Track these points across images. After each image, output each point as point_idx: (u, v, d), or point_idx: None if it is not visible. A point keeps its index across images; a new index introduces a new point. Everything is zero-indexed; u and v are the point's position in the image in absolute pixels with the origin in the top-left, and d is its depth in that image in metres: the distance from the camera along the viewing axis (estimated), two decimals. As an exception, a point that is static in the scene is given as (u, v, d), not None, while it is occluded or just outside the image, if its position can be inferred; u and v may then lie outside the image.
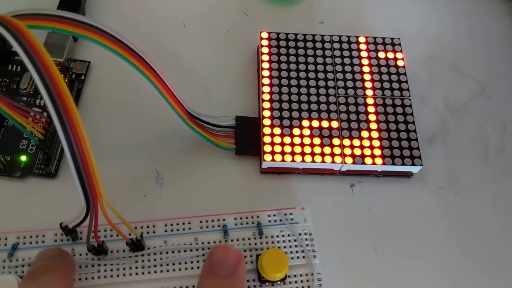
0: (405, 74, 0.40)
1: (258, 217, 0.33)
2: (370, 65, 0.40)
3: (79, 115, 0.23)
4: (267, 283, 0.31)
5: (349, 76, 0.39)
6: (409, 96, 0.39)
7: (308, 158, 0.35)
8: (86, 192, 0.25)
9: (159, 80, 0.30)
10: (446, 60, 0.44)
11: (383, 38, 0.41)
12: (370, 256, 0.35)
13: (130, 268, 0.31)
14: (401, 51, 0.41)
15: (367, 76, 0.39)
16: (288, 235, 0.33)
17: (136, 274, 0.31)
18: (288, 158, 0.35)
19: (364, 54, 0.40)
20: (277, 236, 0.33)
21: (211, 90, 0.39)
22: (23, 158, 0.34)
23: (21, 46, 0.22)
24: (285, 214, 0.33)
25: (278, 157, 0.35)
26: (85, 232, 0.29)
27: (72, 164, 0.24)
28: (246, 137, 0.36)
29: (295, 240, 0.33)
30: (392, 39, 0.41)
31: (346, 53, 0.40)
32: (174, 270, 0.31)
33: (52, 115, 0.22)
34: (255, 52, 0.42)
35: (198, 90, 0.39)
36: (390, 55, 0.40)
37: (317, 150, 0.35)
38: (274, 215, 0.33)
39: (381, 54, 0.40)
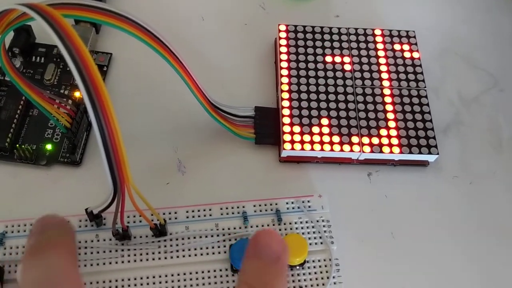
0: (420, 66, 0.40)
1: (276, 204, 0.33)
2: (386, 57, 0.40)
3: (109, 98, 0.23)
4: (286, 268, 0.31)
5: (365, 67, 0.39)
6: (425, 87, 0.39)
7: (326, 147, 0.35)
8: (114, 176, 0.26)
9: (184, 69, 0.31)
10: (459, 54, 0.44)
11: (399, 31, 0.41)
12: (387, 243, 0.35)
13: (153, 253, 0.31)
14: (416, 44, 0.41)
15: (383, 68, 0.39)
16: (306, 222, 0.33)
17: (159, 259, 0.31)
18: (307, 147, 0.35)
19: (380, 46, 0.40)
20: (296, 223, 0.33)
21: (229, 83, 0.40)
22: (49, 146, 0.35)
23: (56, 32, 0.22)
24: (303, 202, 0.34)
25: (297, 146, 0.35)
26: (110, 219, 0.30)
27: (101, 146, 0.24)
28: (265, 127, 0.37)
29: (313, 227, 0.33)
30: (407, 31, 0.41)
31: (362, 45, 0.40)
32: (196, 255, 0.32)
33: (84, 97, 0.22)
34: (272, 45, 0.42)
35: (216, 82, 0.39)
36: (406, 47, 0.41)
37: (336, 139, 0.35)
38: (292, 203, 0.34)
39: (397, 47, 0.41)
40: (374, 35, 0.41)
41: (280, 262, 0.26)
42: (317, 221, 0.33)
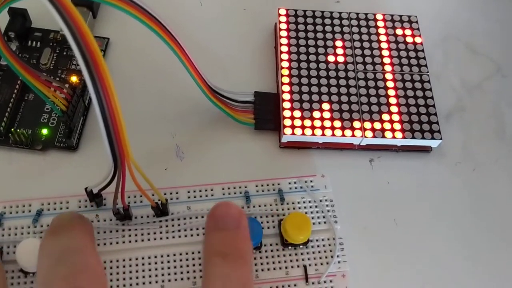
0: (422, 50, 0.39)
1: (279, 184, 0.33)
2: (388, 41, 0.39)
3: (109, 71, 0.22)
4: (289, 247, 0.31)
5: (367, 52, 0.38)
6: (427, 72, 0.38)
7: (328, 132, 0.34)
8: (114, 151, 0.25)
9: (182, 51, 0.30)
10: (462, 40, 0.44)
11: (400, 16, 0.40)
12: (390, 228, 0.34)
13: (155, 233, 0.31)
14: (418, 29, 0.40)
15: (385, 52, 0.39)
16: (309, 202, 0.33)
17: (161, 238, 0.31)
18: (308, 132, 0.34)
19: (381, 31, 0.40)
20: (298, 203, 0.32)
21: (228, 68, 0.39)
22: (44, 131, 0.34)
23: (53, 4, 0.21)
24: (306, 182, 0.33)
25: (298, 131, 0.34)
26: (110, 199, 0.29)
27: (101, 120, 0.23)
28: (265, 112, 0.36)
29: (316, 206, 0.32)
30: (409, 16, 0.41)
31: (363, 30, 0.40)
32: (198, 235, 0.31)
33: (83, 69, 0.22)
34: (271, 31, 0.41)
35: (215, 68, 0.38)
36: (408, 32, 0.40)
37: (337, 124, 0.35)
38: (295, 183, 0.33)
39: (399, 31, 0.40)
40: (375, 20, 0.40)
41: (241, 227, 0.26)
42: (320, 200, 0.33)
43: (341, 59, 0.38)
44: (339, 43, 0.38)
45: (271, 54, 0.40)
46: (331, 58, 0.38)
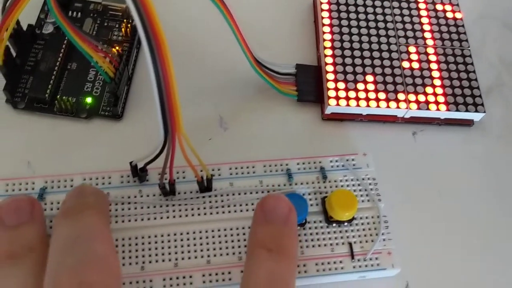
0: (463, 26, 0.39)
1: (320, 162, 0.32)
2: (428, 16, 0.39)
3: (166, 41, 0.22)
4: (334, 224, 0.31)
5: (408, 26, 0.38)
6: (468, 47, 0.38)
7: (372, 104, 0.34)
8: (166, 123, 0.24)
9: (234, 20, 0.30)
10: (499, 18, 0.43)
11: (440, -9, 0.40)
12: (434, 201, 0.34)
13: (198, 209, 0.30)
14: (457, 4, 0.40)
15: (426, 27, 0.38)
16: (352, 180, 0.32)
17: (205, 214, 0.30)
18: (352, 103, 0.34)
19: (422, 6, 0.39)
20: (341, 181, 0.32)
21: (267, 41, 0.38)
22: (89, 100, 0.34)
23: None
24: (347, 160, 0.33)
25: (342, 102, 0.34)
26: (152, 175, 0.30)
27: (156, 90, 0.23)
28: (307, 84, 0.36)
29: (359, 185, 0.32)
30: (448, -8, 0.40)
31: (404, 4, 0.39)
32: (241, 211, 0.30)
33: (142, 36, 0.22)
34: (309, 5, 0.41)
35: (254, 41, 0.38)
36: (448, 7, 0.40)
37: (382, 95, 0.34)
38: (337, 161, 0.33)
39: (439, 7, 0.39)
40: (416, -5, 0.39)
41: (289, 223, 0.26)
42: (363, 179, 0.32)
43: (382, 32, 0.37)
44: (380, 17, 0.38)
45: (309, 27, 0.40)
46: (372, 32, 0.37)
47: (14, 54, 0.33)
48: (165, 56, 0.23)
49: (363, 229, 0.31)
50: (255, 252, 0.25)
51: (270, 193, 0.26)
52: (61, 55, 0.34)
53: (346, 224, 0.31)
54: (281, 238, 0.25)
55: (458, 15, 0.39)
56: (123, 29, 0.36)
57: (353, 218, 0.31)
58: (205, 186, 0.30)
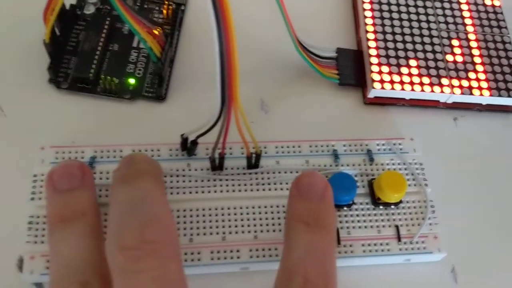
0: (502, 13, 0.39)
1: (367, 145, 0.32)
2: (467, 3, 0.39)
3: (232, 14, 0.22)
4: (381, 206, 0.30)
5: (448, 12, 0.38)
6: (508, 34, 0.38)
7: (417, 88, 0.34)
8: (224, 94, 0.25)
9: (283, 2, 0.29)
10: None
11: (478, -21, 0.40)
12: (477, 186, 0.34)
13: (245, 185, 0.30)
14: (495, -8, 0.40)
15: (466, 14, 0.38)
16: (399, 164, 0.32)
17: (251, 190, 0.30)
18: (397, 87, 0.34)
19: (460, -7, 0.39)
20: (387, 164, 0.32)
21: (306, 26, 0.38)
22: (132, 81, 0.33)
23: None
24: (394, 144, 0.33)
25: (387, 86, 0.34)
26: (201, 149, 0.30)
27: (218, 58, 0.23)
28: (348, 68, 0.36)
29: (405, 169, 0.32)
30: (486, -20, 0.40)
31: (443, -9, 0.39)
32: (287, 189, 0.30)
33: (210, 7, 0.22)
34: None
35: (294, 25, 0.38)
36: (486, -5, 0.40)
37: (425, 80, 0.34)
38: (383, 144, 0.32)
39: (477, -6, 0.39)
40: (454, -19, 0.39)
41: (325, 199, 0.26)
42: (410, 163, 0.32)
43: (423, 18, 0.37)
44: (420, 3, 0.38)
45: (347, 12, 0.40)
46: (413, 17, 0.37)
47: (58, 33, 0.33)
48: (230, 25, 0.23)
49: (410, 213, 0.31)
50: (295, 226, 0.25)
51: (306, 171, 0.26)
52: (103, 35, 0.34)
53: (393, 207, 0.30)
54: (319, 213, 0.25)
55: (496, 3, 0.39)
56: (164, 11, 0.36)
57: (400, 201, 0.30)
58: (252, 162, 0.30)
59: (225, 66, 0.23)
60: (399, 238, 0.30)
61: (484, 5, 0.39)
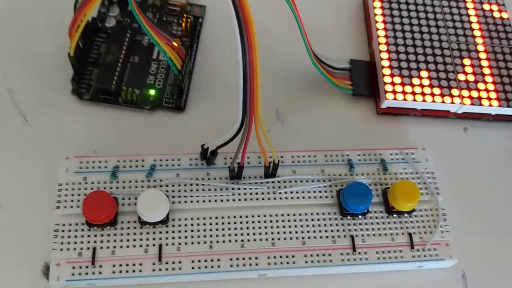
0: (509, 25, 0.39)
1: (381, 154, 0.33)
2: (476, 15, 0.39)
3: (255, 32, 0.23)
4: (394, 215, 0.31)
5: (458, 25, 0.39)
6: (516, 45, 0.38)
7: (428, 98, 0.35)
8: (246, 105, 0.25)
9: (299, 16, 0.30)
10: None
11: (487, -8, 0.41)
12: (487, 195, 0.35)
13: (263, 193, 0.31)
14: (503, 5, 0.40)
15: (475, 26, 0.39)
16: (411, 173, 0.33)
17: (268, 199, 0.31)
18: (409, 97, 0.35)
19: (470, 5, 0.40)
20: (400, 173, 0.33)
21: (318, 39, 0.39)
22: (152, 92, 0.34)
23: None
24: (407, 154, 0.33)
25: (399, 96, 0.35)
26: (219, 160, 0.31)
27: (241, 72, 0.24)
28: (361, 79, 0.36)
29: (418, 178, 0.33)
30: (495, -8, 0.41)
31: (453, 3, 0.40)
32: (303, 198, 0.31)
33: (236, 24, 0.24)
34: (359, 3, 0.42)
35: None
36: (494, 7, 0.40)
37: (436, 91, 0.35)
38: (396, 154, 0.33)
39: (486, 7, 0.40)
40: (463, -5, 0.40)
41: None
42: (422, 172, 0.33)
43: (434, 30, 0.38)
44: (431, 15, 0.39)
45: (359, 24, 0.41)
46: (424, 29, 0.38)
47: (81, 46, 0.33)
48: (253, 41, 0.24)
49: (422, 221, 0.31)
50: None
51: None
52: (124, 47, 0.35)
53: (406, 215, 0.31)
54: None
55: (504, 15, 0.40)
56: (183, 24, 0.37)
57: (413, 210, 0.31)
58: (270, 171, 0.30)
59: (248, 80, 0.24)
60: (412, 246, 0.31)
61: (493, 17, 0.39)
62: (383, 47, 0.36)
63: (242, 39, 0.23)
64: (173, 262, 0.28)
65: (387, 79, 0.35)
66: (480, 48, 0.37)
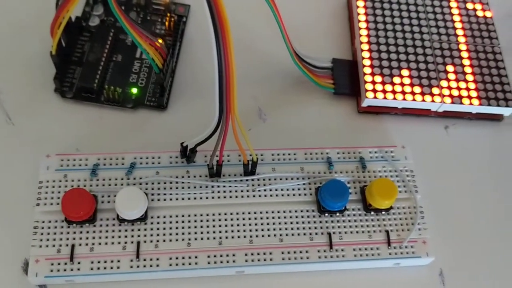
0: (493, 24, 0.40)
1: (360, 152, 0.33)
2: (460, 14, 0.40)
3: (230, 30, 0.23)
4: (372, 212, 0.31)
5: (441, 24, 0.39)
6: (499, 44, 0.38)
7: (408, 97, 0.35)
8: (222, 103, 0.26)
9: (279, 15, 0.30)
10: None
11: (470, -10, 0.41)
12: (466, 192, 0.35)
13: (242, 191, 0.31)
14: (487, 3, 0.40)
15: (458, 25, 0.39)
16: (390, 171, 0.33)
17: (248, 197, 0.31)
18: (389, 96, 0.35)
19: (453, 4, 0.40)
20: (379, 171, 0.33)
21: (302, 37, 0.39)
22: (134, 90, 0.34)
23: None
24: (386, 152, 0.33)
25: (379, 95, 0.35)
26: (200, 157, 0.31)
27: (217, 70, 0.24)
28: (343, 78, 0.36)
29: (397, 176, 0.33)
30: (478, -9, 0.41)
31: (436, 2, 0.40)
32: (282, 195, 0.31)
33: (209, 22, 0.23)
34: (343, 2, 0.42)
35: (291, 37, 0.39)
36: (478, 6, 0.40)
37: (417, 89, 0.35)
38: (376, 152, 0.33)
39: (469, 6, 0.40)
40: (447, -6, 0.40)
41: None
42: (401, 170, 0.33)
43: (416, 29, 0.38)
44: (413, 14, 0.39)
45: (343, 23, 0.41)
46: (406, 28, 0.38)
47: (63, 44, 0.34)
48: (228, 40, 0.24)
49: (400, 218, 0.32)
50: None
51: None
52: (107, 46, 0.35)
53: (383, 212, 0.31)
54: None
55: (488, 14, 0.40)
56: (166, 23, 0.37)
57: (391, 208, 0.31)
58: (249, 169, 0.31)
59: (223, 78, 0.24)
60: (389, 243, 0.31)
61: (476, 16, 0.40)
62: (365, 46, 0.36)
63: (217, 38, 0.23)
64: (151, 259, 0.29)
65: (368, 78, 0.35)
66: (462, 47, 0.37)
